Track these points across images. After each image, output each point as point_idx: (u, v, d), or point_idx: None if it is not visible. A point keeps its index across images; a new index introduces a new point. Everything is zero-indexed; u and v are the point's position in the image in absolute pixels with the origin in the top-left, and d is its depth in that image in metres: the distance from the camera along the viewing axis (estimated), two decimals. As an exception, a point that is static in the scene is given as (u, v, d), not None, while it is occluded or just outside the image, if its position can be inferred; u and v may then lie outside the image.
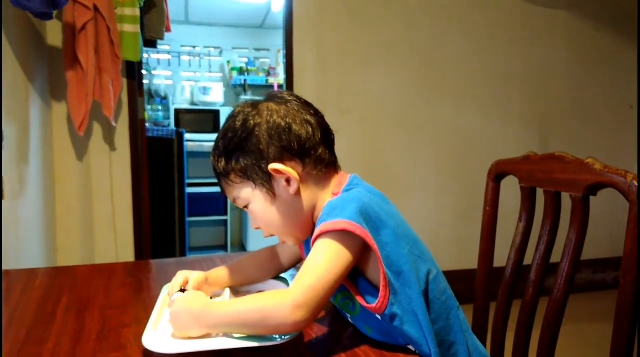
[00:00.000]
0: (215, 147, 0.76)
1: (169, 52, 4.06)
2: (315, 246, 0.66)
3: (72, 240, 2.10)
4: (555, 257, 0.93)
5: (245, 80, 4.10)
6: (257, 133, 0.72)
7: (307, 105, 0.76)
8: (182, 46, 4.08)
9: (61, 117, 2.03)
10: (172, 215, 3.20)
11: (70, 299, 0.82)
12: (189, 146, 3.59)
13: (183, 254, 3.24)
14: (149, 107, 3.89)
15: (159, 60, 4.08)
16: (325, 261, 0.64)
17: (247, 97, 4.14)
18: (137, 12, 1.94)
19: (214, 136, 3.11)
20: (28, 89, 1.70)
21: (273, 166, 0.70)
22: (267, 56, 4.27)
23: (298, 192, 0.73)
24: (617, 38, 2.81)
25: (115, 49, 1.88)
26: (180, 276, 0.80)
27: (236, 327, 0.63)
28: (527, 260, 1.00)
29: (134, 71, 2.14)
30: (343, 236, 0.64)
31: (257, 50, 4.25)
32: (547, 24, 2.69)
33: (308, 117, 0.74)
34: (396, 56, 2.50)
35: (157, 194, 2.82)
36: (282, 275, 0.90)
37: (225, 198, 4.13)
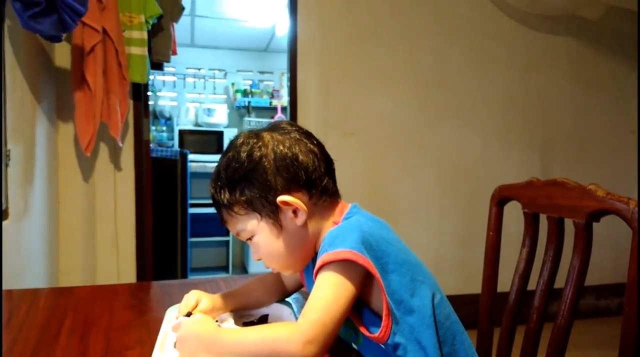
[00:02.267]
0: (217, 178, 0.75)
1: (174, 74, 4.11)
2: (319, 279, 0.66)
3: (75, 260, 2.09)
4: (559, 283, 0.93)
5: (249, 102, 4.14)
6: (264, 164, 0.71)
7: (308, 135, 0.76)
8: (187, 68, 4.13)
9: (67, 138, 2.05)
10: (175, 235, 3.19)
11: (74, 321, 0.82)
12: (192, 167, 3.60)
13: (184, 275, 3.23)
14: (153, 128, 3.92)
15: (164, 82, 4.13)
16: (330, 293, 0.63)
17: (251, 118, 4.18)
18: (145, 35, 1.98)
19: (217, 157, 3.11)
20: (35, 109, 1.73)
21: (282, 198, 0.70)
22: (271, 79, 4.32)
23: (304, 224, 0.72)
24: (618, 63, 2.85)
25: (123, 71, 1.91)
26: (193, 298, 0.79)
27: (244, 355, 0.63)
28: (531, 285, 1.00)
29: (140, 93, 2.16)
30: (346, 266, 0.64)
31: (261, 72, 4.31)
32: (548, 50, 2.72)
33: (312, 147, 0.74)
34: (399, 80, 2.53)
35: (159, 214, 2.82)
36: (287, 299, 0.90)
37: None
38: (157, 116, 4.03)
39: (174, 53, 2.28)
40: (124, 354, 0.70)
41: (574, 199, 0.92)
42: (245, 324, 0.75)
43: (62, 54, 2.01)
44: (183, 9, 2.27)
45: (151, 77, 3.76)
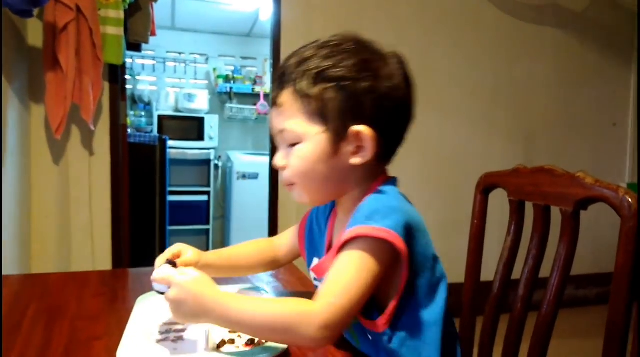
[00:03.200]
0: (308, 59, 0.65)
1: (153, 58, 4.01)
2: (345, 254, 0.60)
3: (48, 247, 2.03)
4: (544, 272, 0.92)
5: (231, 88, 4.07)
6: (376, 84, 0.64)
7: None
8: (167, 52, 4.04)
9: (40, 120, 1.97)
10: (153, 223, 3.13)
11: (39, 309, 0.78)
12: (171, 153, 3.53)
13: (163, 263, 3.17)
14: (132, 112, 3.83)
15: (143, 66, 4.03)
16: (355, 275, 0.58)
17: (233, 105, 4.11)
18: (122, 14, 1.90)
19: (197, 143, 3.04)
20: (6, 90, 1.65)
21: (364, 129, 0.63)
22: (254, 65, 4.25)
23: (355, 166, 0.66)
24: (603, 56, 2.86)
25: (97, 51, 1.84)
26: (175, 247, 0.75)
27: (250, 328, 0.59)
28: (515, 274, 0.98)
29: (116, 75, 2.09)
30: (380, 246, 0.59)
31: (244, 58, 4.23)
32: (533, 40, 2.71)
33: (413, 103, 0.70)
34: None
35: (137, 202, 2.75)
36: (260, 286, 0.86)
37: (208, 207, 3.98)
38: (136, 101, 3.93)
39: (153, 34, 2.21)
40: (90, 344, 0.66)
41: (562, 186, 0.90)
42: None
43: (35, 32, 1.92)
44: (162, -12, 2.19)
45: (129, 60, 3.66)
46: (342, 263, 0.60)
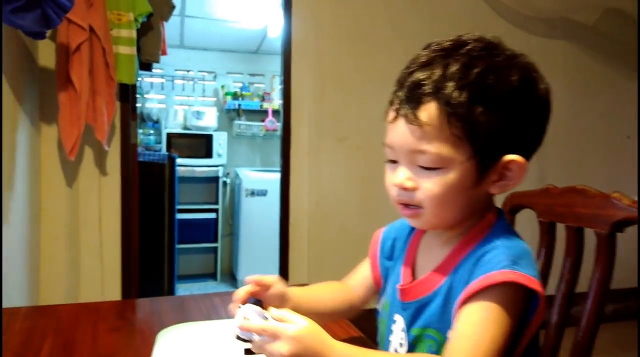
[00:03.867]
0: (465, 69, 0.55)
1: (162, 76, 4.01)
2: (484, 306, 0.53)
3: (57, 269, 1.99)
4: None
5: (239, 105, 4.06)
6: (535, 106, 0.58)
7: None
8: (175, 70, 4.04)
9: (50, 141, 1.95)
10: (162, 242, 3.09)
11: (54, 346, 0.74)
12: (180, 171, 3.51)
13: (171, 283, 3.13)
14: (140, 131, 3.82)
15: (152, 84, 4.03)
16: (498, 335, 0.52)
17: (241, 121, 4.09)
18: (134, 34, 1.90)
19: (206, 161, 3.01)
20: (17, 111, 1.63)
21: (519, 160, 0.58)
22: (262, 81, 4.24)
23: (488, 195, 0.61)
24: (614, 68, 2.82)
25: (110, 71, 1.83)
26: (254, 277, 0.65)
27: None
28: (548, 292, 0.95)
29: (127, 94, 2.07)
30: (524, 296, 0.54)
31: (252, 75, 4.22)
32: (544, 54, 2.69)
33: None
34: (394, 82, 2.47)
35: (146, 220, 2.72)
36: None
37: (216, 225, 3.95)
38: (145, 119, 3.92)
39: (164, 53, 2.20)
40: (110, 385, 0.62)
41: (596, 207, 0.87)
42: (247, 351, 0.67)
43: (46, 53, 1.91)
44: (174, 7, 2.18)
45: (139, 79, 3.67)
46: (486, 319, 0.53)
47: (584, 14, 2.76)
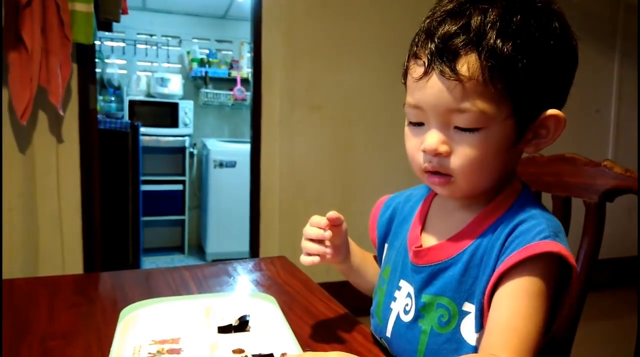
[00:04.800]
0: (506, 17, 0.50)
1: (123, 40, 3.81)
2: (535, 278, 0.50)
3: (13, 242, 1.88)
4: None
5: (206, 73, 3.90)
6: (574, 57, 0.55)
7: None
8: (138, 34, 3.83)
9: (1, 104, 1.81)
10: (125, 214, 2.97)
11: (4, 325, 0.66)
12: (144, 141, 3.36)
13: (137, 256, 3.03)
14: (100, 97, 3.63)
15: (112, 48, 3.82)
16: (546, 315, 0.50)
17: (209, 90, 3.95)
18: (91, -11, 1.75)
19: (171, 130, 2.89)
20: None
21: (560, 115, 0.54)
22: (230, 48, 4.08)
23: (519, 155, 0.57)
24: (585, 43, 2.81)
25: (65, 29, 1.68)
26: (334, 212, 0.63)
27: None
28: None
29: (85, 56, 1.93)
30: (558, 271, 0.51)
31: (219, 41, 4.06)
32: (519, 25, 2.66)
33: None
34: (370, 51, 2.40)
35: (108, 191, 2.60)
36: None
37: (183, 197, 3.87)
38: (105, 85, 3.73)
39: (125, 12, 2.05)
40: (66, 370, 0.55)
41: (586, 176, 0.84)
42: (221, 329, 0.61)
43: (-7, 9, 1.75)
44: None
45: (97, 42, 3.46)
46: (533, 299, 0.50)
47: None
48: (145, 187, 3.32)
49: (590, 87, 2.83)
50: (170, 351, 0.56)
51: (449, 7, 0.53)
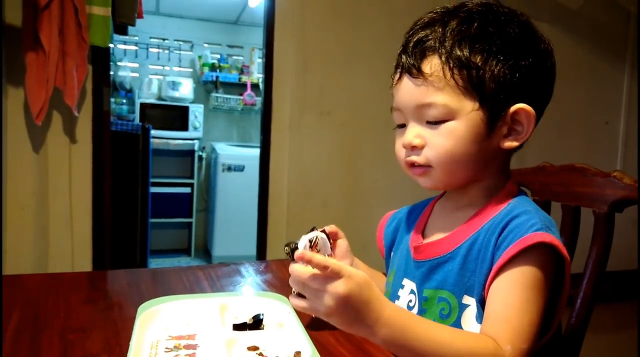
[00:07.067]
0: (457, 25, 0.58)
1: (136, 44, 3.85)
2: (531, 268, 0.52)
3: (24, 241, 1.90)
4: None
5: (217, 77, 3.93)
6: (537, 58, 0.59)
7: None
8: (150, 38, 3.88)
9: (17, 104, 1.83)
10: (134, 215, 3.00)
11: (22, 318, 0.68)
12: (154, 143, 3.40)
13: (144, 258, 3.05)
14: (112, 99, 3.67)
15: (125, 51, 3.86)
16: (540, 304, 0.52)
17: (219, 94, 3.98)
18: (108, -7, 1.78)
19: (181, 133, 2.92)
20: (-21, 70, 1.52)
21: (527, 108, 0.58)
22: (241, 54, 4.12)
23: (502, 150, 0.60)
24: (595, 54, 2.83)
25: (83, 32, 1.71)
26: (332, 226, 0.67)
27: (427, 354, 0.48)
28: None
29: (100, 58, 1.96)
30: (553, 264, 0.54)
31: (230, 47, 4.09)
32: (529, 36, 2.67)
33: None
34: (381, 57, 2.41)
35: (118, 192, 2.63)
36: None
37: (191, 199, 3.89)
38: (117, 87, 3.77)
39: (140, 16, 2.08)
40: (86, 362, 0.57)
41: (596, 186, 0.85)
42: (236, 327, 0.63)
43: (12, 10, 1.78)
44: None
45: (111, 45, 3.51)
46: (523, 284, 0.52)
47: (569, -3, 2.75)
48: (154, 189, 3.36)
49: (600, 99, 2.83)
50: (187, 347, 0.58)
51: (423, 20, 0.63)
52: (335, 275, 0.46)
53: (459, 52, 0.56)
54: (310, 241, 0.50)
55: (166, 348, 0.58)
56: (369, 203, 2.38)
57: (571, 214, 0.89)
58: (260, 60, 3.72)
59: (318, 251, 0.50)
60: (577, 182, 0.89)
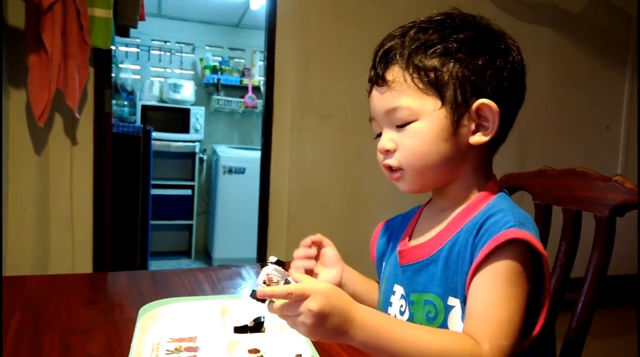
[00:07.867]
0: (414, 34, 0.61)
1: (137, 46, 3.86)
2: (506, 263, 0.53)
3: (24, 240, 1.90)
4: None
5: (218, 80, 3.94)
6: (493, 57, 0.60)
7: None
8: (152, 40, 3.89)
9: (19, 106, 1.84)
10: (135, 216, 3.00)
11: (24, 319, 0.68)
12: (155, 145, 3.40)
13: (144, 259, 3.05)
14: (113, 101, 3.67)
15: (126, 53, 3.87)
16: (520, 301, 0.52)
17: (220, 97, 3.99)
18: (111, -4, 1.79)
19: (182, 136, 2.92)
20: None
21: (489, 103, 0.59)
22: (242, 56, 4.13)
23: (472, 148, 0.61)
24: (596, 58, 2.84)
25: (84, 34, 1.72)
26: (319, 236, 0.69)
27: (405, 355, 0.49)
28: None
29: (102, 60, 1.97)
30: (530, 259, 0.54)
31: (232, 49, 4.10)
32: (531, 40, 2.67)
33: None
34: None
35: (119, 194, 2.63)
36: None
37: (191, 202, 3.88)
38: (119, 89, 3.78)
39: (142, 19, 2.09)
40: (86, 364, 0.57)
41: (597, 191, 0.85)
42: (237, 330, 0.63)
43: (15, 12, 1.79)
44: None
45: (113, 47, 3.53)
46: (504, 284, 0.53)
47: (570, 2, 2.75)
48: (154, 191, 3.35)
49: (601, 103, 2.84)
50: (188, 349, 0.58)
51: (387, 37, 0.66)
52: (301, 297, 0.48)
53: (416, 58, 0.60)
54: (265, 282, 0.51)
55: (167, 350, 0.58)
56: (369, 206, 2.38)
57: (572, 218, 0.89)
58: (261, 63, 3.73)
59: (276, 283, 0.51)
60: (578, 186, 0.89)
